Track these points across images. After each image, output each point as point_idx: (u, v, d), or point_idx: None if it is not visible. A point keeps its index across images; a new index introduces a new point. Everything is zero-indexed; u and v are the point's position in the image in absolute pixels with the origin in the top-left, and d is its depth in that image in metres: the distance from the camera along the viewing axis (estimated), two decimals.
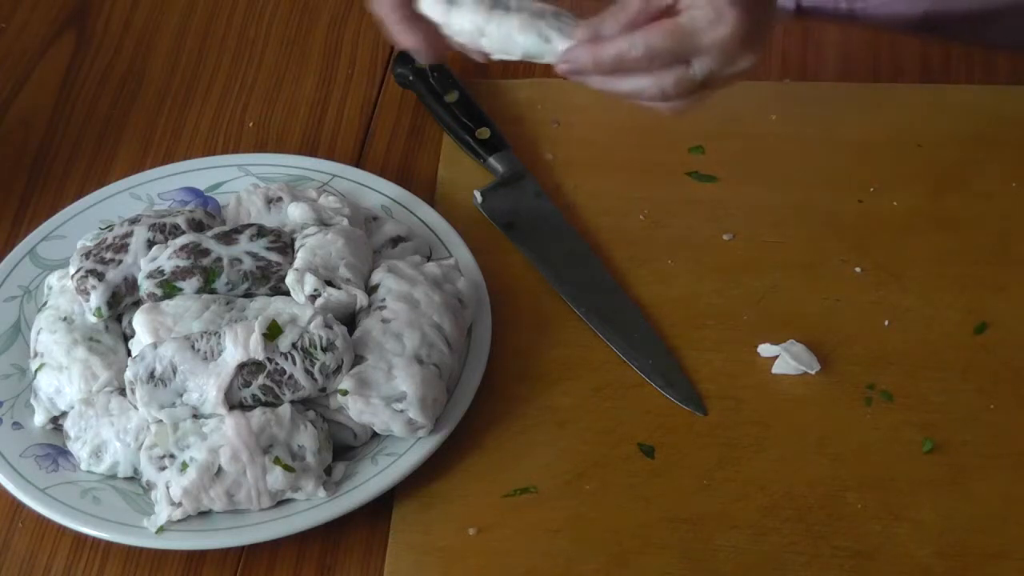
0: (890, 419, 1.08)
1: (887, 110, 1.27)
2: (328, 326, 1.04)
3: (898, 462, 1.06)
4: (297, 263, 1.08)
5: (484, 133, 1.24)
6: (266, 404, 1.04)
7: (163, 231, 1.11)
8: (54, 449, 1.07)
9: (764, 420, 1.08)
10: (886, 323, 1.13)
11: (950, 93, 1.28)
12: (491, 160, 1.23)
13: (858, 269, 1.16)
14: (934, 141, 1.25)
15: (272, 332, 1.03)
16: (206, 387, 1.03)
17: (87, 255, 1.10)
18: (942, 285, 1.15)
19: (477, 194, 1.21)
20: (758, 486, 1.05)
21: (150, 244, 1.10)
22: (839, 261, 1.17)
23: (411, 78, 1.28)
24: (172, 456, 1.03)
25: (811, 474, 1.06)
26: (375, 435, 1.06)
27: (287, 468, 1.02)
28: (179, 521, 1.02)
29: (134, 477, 1.05)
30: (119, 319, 1.10)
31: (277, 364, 1.03)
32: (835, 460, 1.06)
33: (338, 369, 1.04)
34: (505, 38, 1.05)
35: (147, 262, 1.08)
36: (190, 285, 1.07)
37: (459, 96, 1.26)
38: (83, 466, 1.05)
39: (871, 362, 1.11)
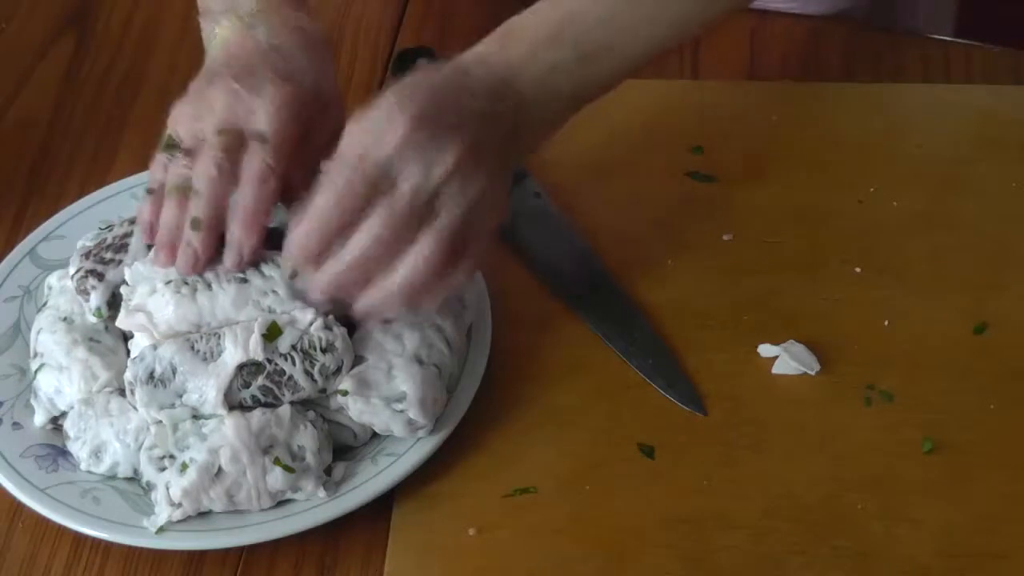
0: (890, 419, 1.08)
1: (887, 110, 1.27)
2: (328, 328, 1.04)
3: (898, 462, 1.06)
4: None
5: None
6: (266, 405, 1.04)
7: None
8: (54, 449, 1.07)
9: (764, 420, 1.08)
10: (886, 323, 1.13)
11: (950, 93, 1.28)
12: None
13: (858, 269, 1.16)
14: (934, 141, 1.25)
15: (272, 333, 1.03)
16: (206, 388, 1.03)
17: (87, 255, 1.10)
18: (942, 285, 1.15)
19: None
20: (758, 486, 1.05)
21: (149, 245, 1.10)
22: (839, 261, 1.17)
23: None
24: (172, 457, 1.03)
25: (811, 474, 1.06)
26: (375, 435, 1.06)
27: (287, 468, 1.02)
28: (179, 521, 1.02)
29: (134, 478, 1.05)
30: None
31: (277, 365, 1.03)
32: (835, 460, 1.06)
33: (338, 370, 1.04)
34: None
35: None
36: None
37: None
38: (83, 466, 1.05)
39: (871, 362, 1.11)
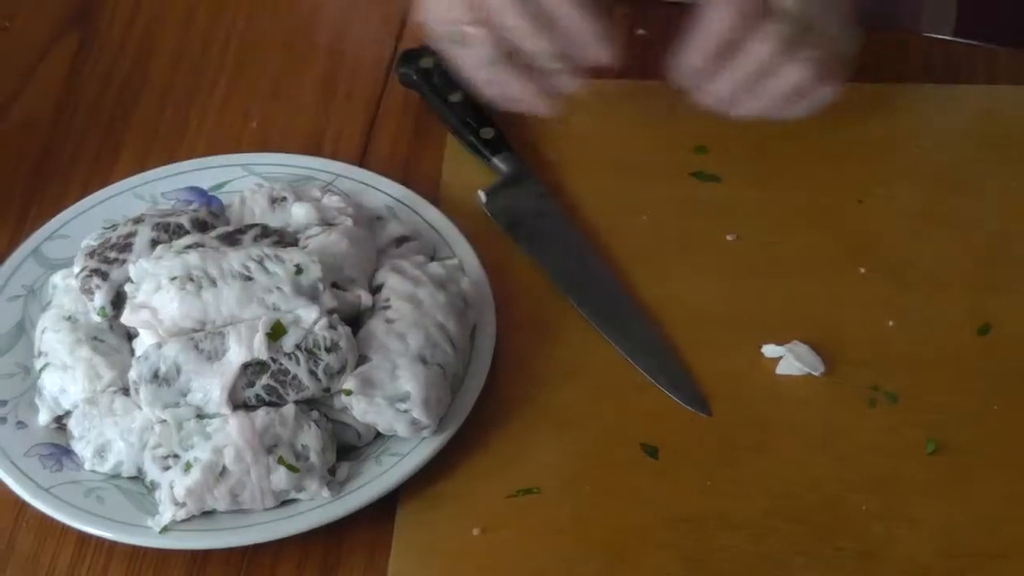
0: (893, 420, 1.08)
1: (889, 110, 1.27)
2: (332, 327, 1.04)
3: (901, 463, 1.06)
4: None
5: (488, 133, 1.24)
6: (270, 404, 1.04)
7: (167, 230, 1.11)
8: (58, 448, 1.07)
9: (768, 421, 1.09)
10: (890, 324, 1.13)
11: (951, 93, 1.28)
12: (495, 160, 1.23)
13: (862, 270, 1.17)
14: (935, 141, 1.25)
15: (276, 332, 1.03)
16: (210, 387, 1.03)
17: (91, 254, 1.10)
18: (945, 286, 1.16)
19: (481, 194, 1.22)
20: (761, 487, 1.05)
21: (154, 243, 1.10)
22: (842, 261, 1.17)
23: (415, 78, 1.28)
24: (176, 456, 1.03)
25: (814, 475, 1.06)
26: (379, 435, 1.06)
27: (291, 468, 1.02)
28: (183, 521, 1.02)
29: (138, 477, 1.05)
30: None
31: (281, 364, 1.03)
32: (838, 461, 1.07)
33: (342, 369, 1.04)
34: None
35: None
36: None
37: (463, 96, 1.26)
38: (87, 465, 1.05)
39: (875, 363, 1.11)
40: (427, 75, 1.28)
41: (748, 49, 1.12)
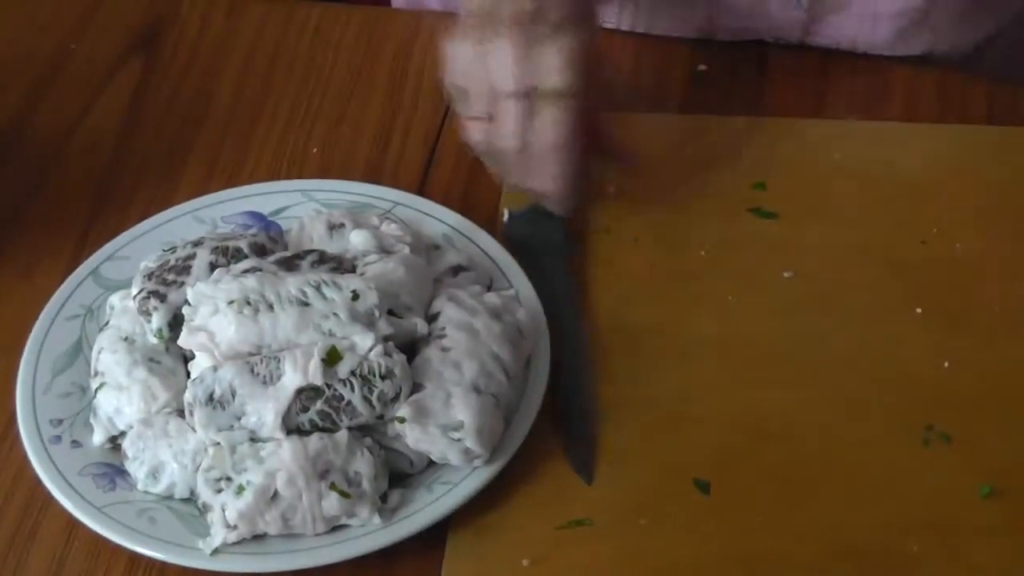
0: (948, 461, 1.08)
1: (952, 151, 1.26)
2: (387, 354, 1.04)
3: (955, 506, 1.05)
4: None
5: None
6: (323, 430, 1.04)
7: (225, 254, 1.11)
8: (111, 468, 1.07)
9: (822, 459, 1.08)
10: (945, 364, 1.13)
11: (1016, 135, 1.28)
12: None
13: (919, 310, 1.16)
14: (999, 183, 1.24)
15: (331, 358, 1.03)
16: (264, 411, 1.03)
17: (150, 276, 1.11)
18: (1003, 329, 1.15)
19: (505, 212, 1.22)
20: (816, 527, 1.05)
21: (212, 267, 1.10)
22: (899, 301, 1.16)
23: None
24: (229, 479, 1.03)
25: (867, 515, 1.05)
26: (431, 463, 1.06)
27: (343, 494, 1.02)
28: (234, 544, 1.02)
29: (190, 499, 1.05)
30: None
31: (335, 390, 1.03)
32: (892, 501, 1.06)
33: (396, 397, 1.04)
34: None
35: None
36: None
37: None
38: (140, 486, 1.06)
39: (929, 403, 1.10)
40: None
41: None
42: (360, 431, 1.05)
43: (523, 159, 1.13)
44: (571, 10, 1.11)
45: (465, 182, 1.27)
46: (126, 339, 1.10)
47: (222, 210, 1.21)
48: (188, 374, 1.08)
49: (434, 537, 1.04)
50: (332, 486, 1.02)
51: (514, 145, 1.13)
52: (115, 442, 1.08)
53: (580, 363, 1.13)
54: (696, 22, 1.35)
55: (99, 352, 1.10)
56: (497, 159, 1.16)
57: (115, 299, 1.14)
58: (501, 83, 1.11)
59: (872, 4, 1.32)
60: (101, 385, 1.09)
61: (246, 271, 1.08)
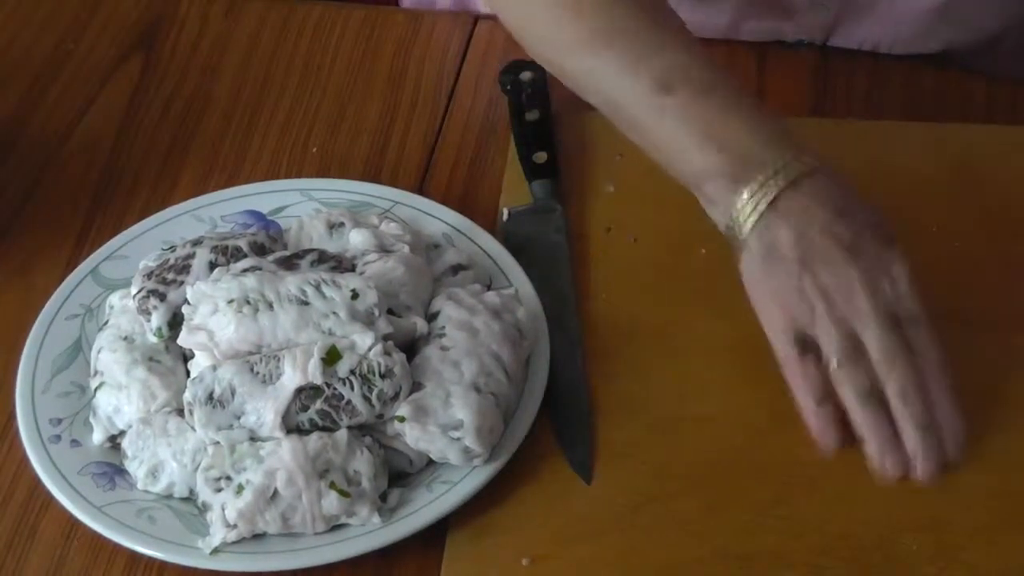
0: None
1: (950, 151, 1.26)
2: (387, 353, 1.04)
3: (953, 504, 1.05)
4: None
5: (540, 158, 1.25)
6: (323, 429, 1.04)
7: (225, 253, 1.11)
8: (111, 467, 1.07)
9: (820, 458, 1.08)
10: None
11: (1016, 135, 1.28)
12: (533, 185, 1.23)
13: None
14: (999, 183, 1.24)
15: (331, 357, 1.03)
16: (264, 410, 1.03)
17: (149, 275, 1.11)
18: (1003, 326, 1.15)
19: (505, 211, 1.22)
20: (813, 525, 1.05)
21: (212, 266, 1.10)
22: None
23: (508, 87, 1.29)
24: (228, 478, 1.03)
25: (867, 513, 1.05)
26: (431, 462, 1.06)
27: (343, 493, 1.02)
28: (233, 543, 1.02)
29: (190, 498, 1.05)
30: None
31: (335, 389, 1.03)
32: (890, 500, 1.06)
33: (396, 396, 1.04)
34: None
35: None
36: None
37: (539, 116, 1.26)
38: (139, 485, 1.06)
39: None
40: (517, 88, 1.28)
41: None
42: (360, 430, 1.05)
43: (917, 390, 1.02)
44: (884, 230, 1.05)
45: (465, 181, 1.27)
46: (125, 338, 1.10)
47: (221, 209, 1.21)
48: (187, 373, 1.08)
49: (434, 536, 1.04)
50: (332, 485, 1.02)
51: (906, 373, 1.02)
52: (114, 441, 1.08)
53: (579, 362, 1.13)
54: (720, 24, 1.35)
55: (98, 351, 1.10)
56: (871, 401, 1.03)
57: (114, 298, 1.14)
58: (862, 318, 1.02)
59: (897, 3, 1.32)
60: (100, 384, 1.09)
61: (246, 270, 1.08)
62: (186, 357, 1.09)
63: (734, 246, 1.06)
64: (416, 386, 1.05)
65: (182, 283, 1.09)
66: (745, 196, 1.04)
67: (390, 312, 1.07)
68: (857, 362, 1.02)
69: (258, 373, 1.03)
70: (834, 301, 1.03)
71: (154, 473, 1.05)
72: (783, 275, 1.04)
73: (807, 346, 1.03)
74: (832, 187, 1.05)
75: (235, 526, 1.02)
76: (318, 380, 1.03)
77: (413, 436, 1.04)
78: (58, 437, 1.08)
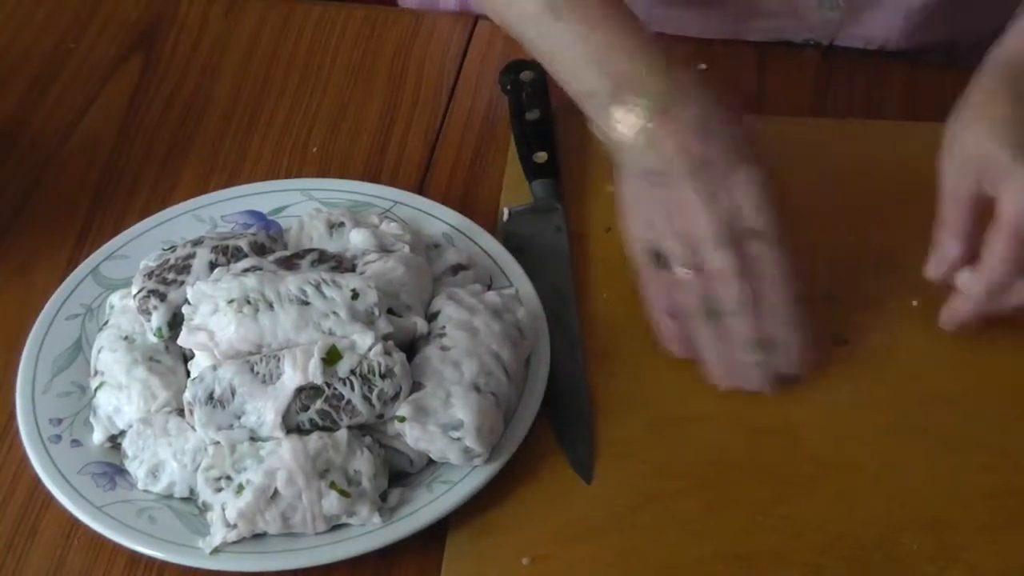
0: (948, 460, 1.08)
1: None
2: (387, 353, 1.04)
3: (954, 504, 1.06)
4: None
5: (540, 158, 1.25)
6: (323, 429, 1.04)
7: (225, 253, 1.11)
8: (111, 467, 1.07)
9: (820, 457, 1.08)
10: (947, 361, 1.12)
11: None
12: (534, 184, 1.23)
13: (915, 302, 1.16)
14: None
15: (331, 357, 1.03)
16: (264, 410, 1.03)
17: (149, 275, 1.11)
18: (1002, 326, 1.14)
19: (505, 211, 1.22)
20: (813, 524, 1.05)
21: (212, 266, 1.10)
22: (898, 298, 1.16)
23: (509, 87, 1.30)
24: (228, 478, 1.03)
25: (868, 513, 1.05)
26: (431, 462, 1.06)
27: (343, 493, 1.02)
28: (234, 543, 1.02)
29: (190, 498, 1.05)
30: None
31: (335, 389, 1.03)
32: (891, 500, 1.06)
33: (396, 396, 1.04)
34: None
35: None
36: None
37: (539, 115, 1.26)
38: (140, 485, 1.06)
39: (929, 401, 1.10)
40: (517, 88, 1.28)
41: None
42: (360, 430, 1.05)
43: (748, 308, 1.06)
44: (741, 151, 1.07)
45: (465, 181, 1.27)
46: (126, 338, 1.10)
47: (222, 209, 1.21)
48: (188, 373, 1.08)
49: (434, 536, 1.04)
50: (332, 485, 1.02)
51: (740, 292, 1.06)
52: (115, 441, 1.08)
53: (579, 362, 1.13)
54: (725, 24, 1.35)
55: (99, 351, 1.10)
56: (711, 317, 1.07)
57: (115, 298, 1.14)
58: (700, 233, 1.06)
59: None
60: (101, 384, 1.09)
61: (246, 270, 1.08)
62: (186, 357, 1.09)
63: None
64: (416, 386, 1.05)
65: (182, 283, 1.09)
66: (618, 116, 1.09)
67: (390, 312, 1.07)
68: (696, 277, 1.07)
69: (258, 373, 1.03)
70: (673, 217, 1.07)
71: (154, 473, 1.05)
72: (641, 192, 1.09)
73: (660, 260, 1.08)
74: (700, 112, 1.08)
75: (235, 526, 1.02)
76: (318, 380, 1.03)
77: (413, 436, 1.04)
78: (58, 437, 1.08)
